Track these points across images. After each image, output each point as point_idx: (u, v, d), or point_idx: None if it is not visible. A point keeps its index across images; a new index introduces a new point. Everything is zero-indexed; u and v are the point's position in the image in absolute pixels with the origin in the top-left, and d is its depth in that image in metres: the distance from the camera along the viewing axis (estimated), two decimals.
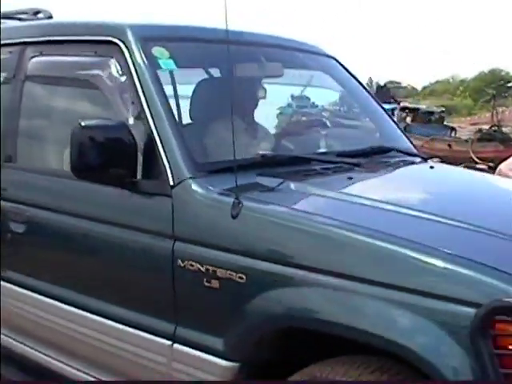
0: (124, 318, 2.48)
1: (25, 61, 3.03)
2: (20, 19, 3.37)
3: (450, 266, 1.79)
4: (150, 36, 2.70)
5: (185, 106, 2.79)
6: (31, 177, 2.96)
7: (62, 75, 2.88)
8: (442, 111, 24.97)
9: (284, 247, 2.10)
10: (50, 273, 2.85)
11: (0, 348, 3.05)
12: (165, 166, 2.38)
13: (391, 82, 44.20)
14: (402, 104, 24.74)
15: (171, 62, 2.65)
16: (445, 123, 23.41)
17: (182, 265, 2.28)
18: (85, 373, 2.67)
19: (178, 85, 2.79)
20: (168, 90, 2.61)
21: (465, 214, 2.20)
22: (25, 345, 2.97)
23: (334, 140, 3.13)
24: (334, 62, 3.50)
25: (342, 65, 3.50)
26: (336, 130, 3.27)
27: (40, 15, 3.28)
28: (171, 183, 2.36)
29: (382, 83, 34.22)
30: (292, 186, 2.38)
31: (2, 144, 3.07)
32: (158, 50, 2.64)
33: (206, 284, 2.21)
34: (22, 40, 3.10)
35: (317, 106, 3.66)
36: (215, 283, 2.19)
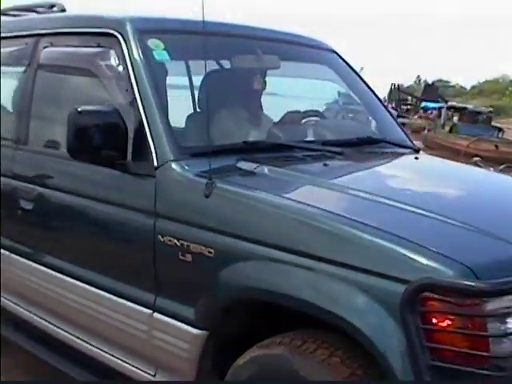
0: (111, 287, 2.74)
1: (38, 51, 3.32)
2: (37, 12, 3.69)
3: (385, 245, 1.97)
4: (147, 28, 2.94)
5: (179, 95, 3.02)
6: (39, 158, 3.25)
7: (70, 65, 3.16)
8: (490, 111, 24.68)
9: (247, 225, 2.31)
10: (51, 245, 3.14)
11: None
12: (151, 149, 2.62)
13: (440, 81, 43.80)
14: (449, 103, 24.54)
15: (165, 53, 2.89)
16: (492, 123, 23.14)
17: (162, 240, 2.51)
18: (75, 336, 2.96)
19: (173, 75, 3.02)
20: (162, 79, 2.85)
21: (423, 201, 2.37)
22: (27, 310, 3.28)
23: (326, 130, 3.32)
24: (336, 55, 3.69)
25: (342, 58, 3.69)
26: (329, 121, 3.47)
27: (55, 8, 3.56)
28: (155, 164, 2.60)
29: (430, 81, 33.90)
30: (266, 170, 2.59)
31: (16, 127, 3.38)
32: (153, 42, 2.89)
33: (181, 257, 2.44)
34: (36, 32, 3.40)
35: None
36: (188, 257, 2.42)
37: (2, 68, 3.53)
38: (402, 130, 3.62)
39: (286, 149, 2.88)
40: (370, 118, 3.63)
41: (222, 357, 2.41)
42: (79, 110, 2.64)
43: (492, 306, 1.84)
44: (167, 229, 2.51)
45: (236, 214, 2.36)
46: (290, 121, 3.33)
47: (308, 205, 2.23)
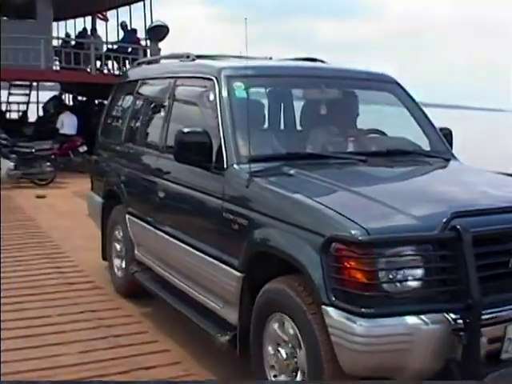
0: (199, 247, 4.59)
1: (174, 88, 5.33)
2: (178, 59, 5.72)
3: (319, 214, 3.57)
4: (233, 75, 4.75)
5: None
6: (166, 162, 5.19)
7: (187, 98, 5.12)
8: None
9: (264, 205, 4.01)
10: (167, 218, 5.13)
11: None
12: (223, 156, 4.43)
13: None
14: None
15: (244, 92, 4.68)
16: None
17: (225, 216, 4.31)
18: (179, 280, 4.88)
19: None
20: (239, 110, 4.62)
21: (371, 190, 3.88)
22: (149, 260, 5.35)
23: (370, 143, 4.89)
24: (398, 85, 5.23)
25: (402, 87, 5.22)
26: (375, 137, 5.03)
27: (188, 58, 5.54)
28: (224, 166, 4.40)
29: None
30: (292, 171, 4.24)
31: (159, 139, 5.41)
32: (236, 84, 4.70)
33: (233, 227, 4.21)
34: (174, 74, 5.42)
35: None
36: (236, 226, 4.18)
37: (156, 98, 5.62)
38: (445, 144, 5.04)
39: (322, 157, 4.53)
40: (422, 134, 5.10)
41: (252, 289, 4.12)
42: (184, 131, 4.55)
43: (377, 251, 3.34)
44: (227, 208, 4.29)
45: (259, 199, 4.08)
46: (345, 135, 4.96)
47: (298, 193, 3.88)
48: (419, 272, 3.38)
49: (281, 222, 3.82)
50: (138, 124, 6.10)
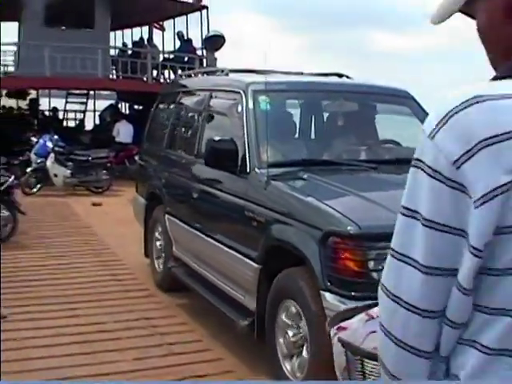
0: (226, 242, 5.36)
1: (208, 100, 6.14)
2: (215, 74, 6.53)
3: (320, 212, 4.30)
4: (259, 89, 5.51)
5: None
6: (199, 167, 5.99)
7: (219, 109, 5.92)
8: None
9: (279, 205, 4.76)
10: (199, 216, 5.93)
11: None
12: (247, 162, 5.19)
13: None
14: None
15: (267, 105, 5.44)
16: None
17: (246, 214, 5.07)
18: (209, 273, 5.67)
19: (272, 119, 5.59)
20: (262, 122, 5.38)
21: (372, 193, 4.59)
22: (185, 255, 6.16)
23: (384, 152, 5.59)
24: (412, 99, 5.92)
25: (415, 100, 5.91)
26: (387, 146, 5.72)
27: (222, 72, 6.34)
28: (248, 170, 5.17)
29: None
30: (306, 176, 4.98)
31: (195, 146, 6.22)
32: (262, 98, 5.47)
33: (252, 224, 4.97)
34: (210, 87, 6.23)
35: None
36: (255, 223, 4.94)
37: (193, 108, 6.45)
38: None
39: (335, 164, 5.25)
40: None
41: (268, 279, 4.86)
42: (213, 139, 5.34)
43: (367, 244, 4.05)
44: (248, 207, 5.05)
45: (274, 199, 4.83)
46: (360, 144, 5.67)
47: (307, 194, 4.62)
48: None
49: (292, 220, 4.56)
50: (177, 132, 6.97)
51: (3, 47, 19.60)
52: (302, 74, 6.72)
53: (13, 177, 9.27)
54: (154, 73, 20.20)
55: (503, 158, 0.99)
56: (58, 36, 18.07)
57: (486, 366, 1.04)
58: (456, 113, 1.03)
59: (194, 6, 20.92)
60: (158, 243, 7.20)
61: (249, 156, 5.21)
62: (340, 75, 6.46)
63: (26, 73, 17.44)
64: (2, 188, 8.75)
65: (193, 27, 21.48)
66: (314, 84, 5.71)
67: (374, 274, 4.05)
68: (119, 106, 23.15)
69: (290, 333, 4.57)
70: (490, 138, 0.99)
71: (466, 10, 1.21)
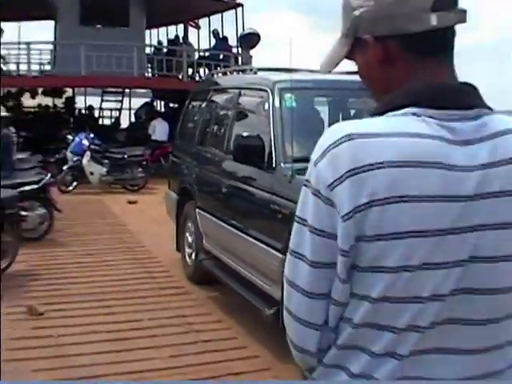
0: (254, 235, 5.67)
1: (237, 97, 6.45)
2: (244, 73, 6.84)
3: None
4: (285, 87, 5.80)
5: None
6: (229, 162, 6.30)
7: (247, 106, 6.23)
8: None
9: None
10: (228, 209, 6.26)
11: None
12: (273, 157, 5.49)
13: None
14: None
15: (293, 102, 5.73)
16: None
17: (272, 207, 5.36)
18: (237, 264, 5.97)
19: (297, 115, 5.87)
20: (288, 118, 5.67)
21: None
22: (214, 248, 6.50)
23: None
24: None
25: None
26: None
27: (252, 71, 6.64)
28: (273, 166, 5.47)
29: None
30: None
31: (225, 142, 6.54)
32: (287, 96, 5.76)
33: (278, 216, 5.27)
34: (239, 85, 6.54)
35: None
36: (280, 215, 5.24)
37: (223, 105, 6.77)
38: None
39: None
40: None
41: None
42: (241, 135, 5.65)
43: None
44: (274, 200, 5.35)
45: (298, 192, 5.10)
46: None
47: None
48: None
49: None
50: (208, 128, 7.31)
51: (40, 46, 20.21)
52: (329, 72, 6.98)
53: (49, 175, 9.53)
54: (190, 71, 20.41)
55: (363, 185, 1.31)
56: (94, 35, 18.50)
57: (354, 336, 1.41)
58: (332, 148, 1.35)
59: (229, 4, 21.17)
60: (189, 237, 7.53)
61: (275, 151, 5.50)
62: None
63: (62, 71, 17.89)
64: (39, 186, 9.02)
65: (228, 25, 21.76)
66: (338, 82, 5.98)
67: None
68: (154, 103, 23.53)
69: None
70: (353, 169, 1.32)
71: (350, 57, 1.56)
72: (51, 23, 22.18)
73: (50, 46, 20.30)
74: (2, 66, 19.43)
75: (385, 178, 1.32)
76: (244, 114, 6.45)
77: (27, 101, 23.59)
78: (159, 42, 23.32)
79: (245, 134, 5.64)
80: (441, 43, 1.44)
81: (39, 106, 23.79)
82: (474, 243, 1.36)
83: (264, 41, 20.13)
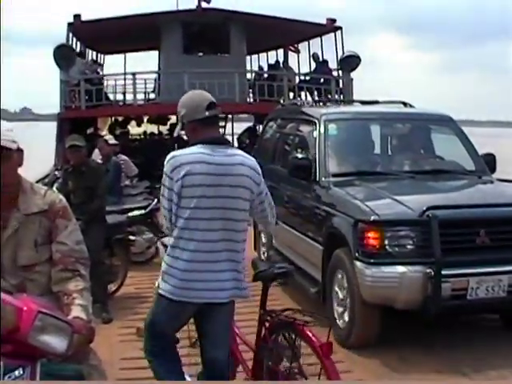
0: (307, 234, 8.18)
1: (299, 126, 9.07)
2: (307, 105, 9.42)
3: (356, 206, 7.03)
4: (330, 119, 8.36)
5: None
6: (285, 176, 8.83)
7: (303, 134, 8.82)
8: None
9: (334, 203, 7.52)
10: (289, 215, 8.87)
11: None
12: (317, 173, 8.01)
13: None
14: None
15: (336, 131, 8.25)
16: None
17: (315, 211, 7.87)
18: (298, 259, 8.52)
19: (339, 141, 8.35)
20: (332, 144, 8.16)
21: (400, 193, 7.27)
22: (280, 246, 9.15)
23: (424, 164, 8.25)
24: (452, 121, 8.54)
25: (454, 122, 8.53)
26: (429, 160, 8.36)
27: (308, 104, 9.18)
28: (317, 179, 7.99)
29: None
30: (357, 182, 7.72)
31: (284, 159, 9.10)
32: (331, 125, 8.28)
33: (319, 218, 7.77)
34: (297, 116, 9.15)
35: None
36: (320, 217, 7.74)
37: (286, 131, 9.40)
38: (483, 164, 8.23)
39: (382, 174, 7.94)
40: (468, 156, 8.34)
41: (328, 257, 7.56)
42: (296, 156, 8.22)
43: (384, 228, 6.70)
44: (316, 206, 7.85)
45: (332, 199, 7.60)
46: (406, 159, 8.35)
47: (352, 196, 7.35)
48: (409, 241, 6.68)
49: (340, 213, 7.31)
50: (275, 149, 10.00)
51: (144, 75, 23.16)
52: (377, 102, 9.42)
53: (156, 200, 10.38)
54: (291, 95, 22.03)
55: (181, 171, 4.47)
56: (196, 62, 20.97)
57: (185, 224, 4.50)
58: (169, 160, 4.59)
59: (328, 27, 22.77)
60: (263, 238, 10.23)
61: (318, 168, 8.00)
62: (404, 103, 9.14)
63: (166, 99, 20.22)
64: (146, 211, 10.43)
65: (327, 48, 23.65)
66: (373, 113, 8.46)
67: (389, 248, 6.68)
68: (257, 128, 25.79)
69: (340, 294, 7.25)
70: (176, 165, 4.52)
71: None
72: (155, 53, 25.13)
73: (155, 75, 23.15)
74: (110, 95, 22.47)
75: (186, 167, 4.29)
76: (299, 139, 9.03)
77: (133, 129, 26.10)
78: (260, 68, 25.53)
79: (298, 156, 8.17)
80: (212, 121, 4.42)
81: (144, 133, 26.33)
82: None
83: (364, 62, 21.91)
